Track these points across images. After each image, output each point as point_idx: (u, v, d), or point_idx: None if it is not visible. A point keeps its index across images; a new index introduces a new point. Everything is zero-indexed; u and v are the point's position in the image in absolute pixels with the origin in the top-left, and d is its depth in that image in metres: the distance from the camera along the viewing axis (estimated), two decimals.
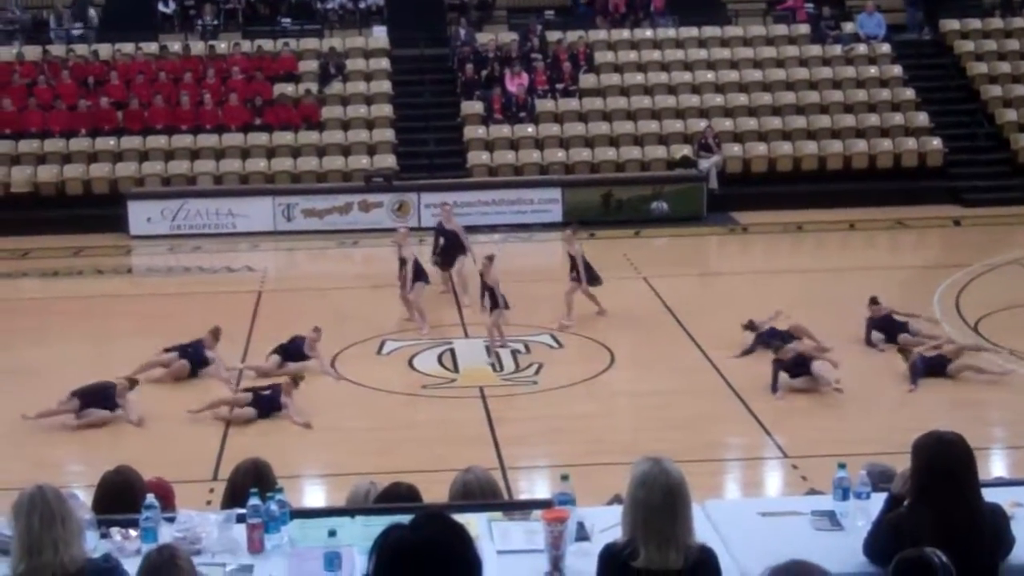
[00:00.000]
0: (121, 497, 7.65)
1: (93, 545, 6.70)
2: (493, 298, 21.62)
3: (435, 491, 8.81)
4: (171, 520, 7.14)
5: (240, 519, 7.03)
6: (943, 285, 25.42)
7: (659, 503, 6.08)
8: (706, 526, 6.97)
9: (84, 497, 7.86)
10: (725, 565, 6.40)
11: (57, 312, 25.88)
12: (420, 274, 23.29)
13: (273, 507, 6.97)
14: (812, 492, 10.89)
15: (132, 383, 19.49)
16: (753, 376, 20.10)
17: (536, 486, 16.79)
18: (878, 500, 7.03)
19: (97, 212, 32.53)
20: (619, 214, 32.61)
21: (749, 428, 18.39)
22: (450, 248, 25.34)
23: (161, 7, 39.32)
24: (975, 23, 38.74)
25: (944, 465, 6.62)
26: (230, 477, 8.46)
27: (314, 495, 16.78)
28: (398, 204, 32.49)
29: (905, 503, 6.76)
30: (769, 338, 20.89)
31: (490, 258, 22.08)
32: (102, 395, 19.12)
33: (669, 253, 31.05)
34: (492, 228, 31.81)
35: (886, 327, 21.70)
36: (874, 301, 21.94)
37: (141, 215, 32.25)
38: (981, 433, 17.67)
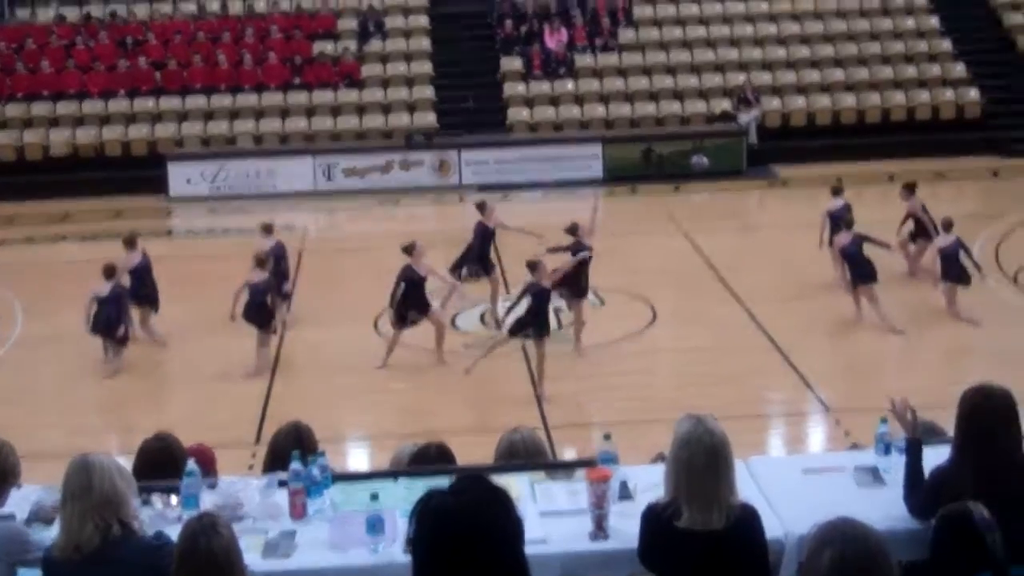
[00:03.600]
0: (162, 464, 7.65)
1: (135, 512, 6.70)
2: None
3: (478, 453, 8.80)
4: (212, 486, 7.15)
5: (282, 484, 7.03)
6: (982, 236, 25.25)
7: (702, 463, 6.07)
8: (749, 483, 6.95)
9: (125, 464, 7.88)
10: (769, 522, 6.38)
11: (96, 275, 25.88)
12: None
13: (315, 471, 6.96)
14: (855, 447, 10.84)
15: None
16: (795, 330, 20.04)
17: (580, 444, 16.77)
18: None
19: (136, 174, 32.63)
20: (659, 169, 32.53)
21: (792, 383, 18.32)
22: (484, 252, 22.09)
23: None
24: None
25: (983, 418, 6.58)
26: (271, 441, 8.46)
27: (357, 458, 16.79)
28: (439, 162, 32.45)
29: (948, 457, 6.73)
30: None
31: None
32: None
33: (709, 207, 30.97)
34: (533, 185, 31.76)
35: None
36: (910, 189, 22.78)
37: (181, 176, 32.33)
38: None
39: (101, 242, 28.14)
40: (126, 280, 20.68)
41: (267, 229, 21.85)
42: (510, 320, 19.11)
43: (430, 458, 7.94)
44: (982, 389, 6.69)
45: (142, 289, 21.07)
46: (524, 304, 18.55)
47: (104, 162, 33.59)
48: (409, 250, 19.49)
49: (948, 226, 20.79)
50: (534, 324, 18.30)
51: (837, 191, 22.82)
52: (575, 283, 19.72)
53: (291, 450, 7.17)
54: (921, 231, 22.46)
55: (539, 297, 18.31)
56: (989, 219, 26.88)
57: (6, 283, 24.70)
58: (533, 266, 18.38)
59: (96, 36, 36.02)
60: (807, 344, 19.63)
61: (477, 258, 21.62)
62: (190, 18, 36.95)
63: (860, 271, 20.22)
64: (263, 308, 19.57)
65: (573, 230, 19.81)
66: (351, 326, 20.97)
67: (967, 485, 6.33)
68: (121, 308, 19.83)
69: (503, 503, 4.65)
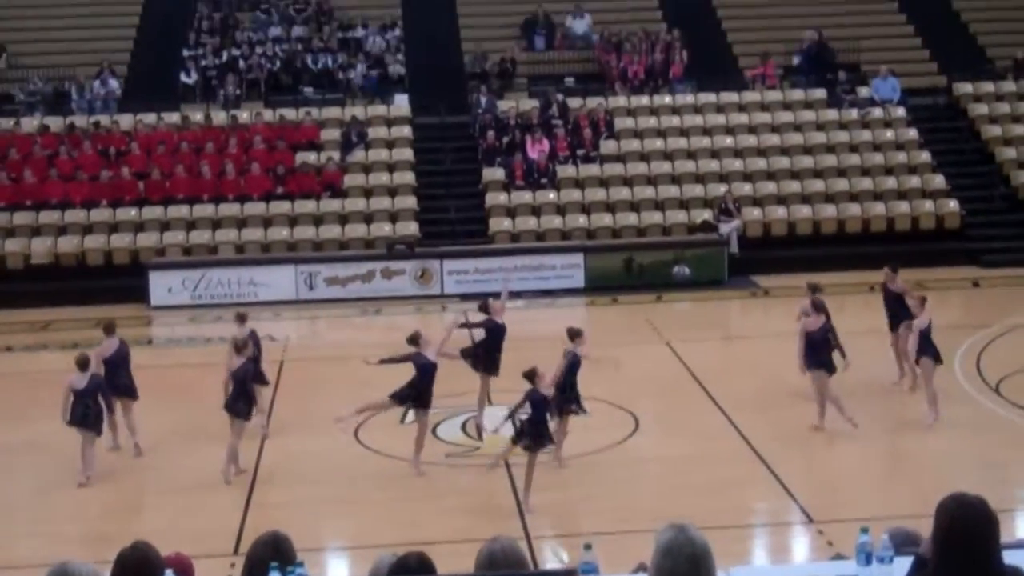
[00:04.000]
0: (139, 574, 7.57)
1: None
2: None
3: (460, 563, 8.75)
4: None
5: None
6: (963, 346, 25.34)
7: (684, 572, 6.02)
8: None
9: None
10: None
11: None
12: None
13: None
14: (838, 557, 10.80)
15: None
16: (777, 439, 20.02)
17: (561, 556, 16.69)
18: (901, 564, 6.95)
19: (118, 283, 32.65)
20: (641, 279, 32.62)
21: (774, 492, 18.28)
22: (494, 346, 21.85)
23: (183, 78, 39.59)
24: (988, 86, 39.04)
25: (963, 529, 6.52)
26: (248, 551, 8.37)
27: (337, 569, 16.68)
28: (420, 271, 32.52)
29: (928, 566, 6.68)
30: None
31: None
32: None
33: (691, 317, 31.01)
34: (515, 294, 31.77)
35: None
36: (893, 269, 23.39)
37: (162, 285, 32.34)
38: (1008, 494, 17.57)
39: (82, 351, 28.10)
40: (102, 370, 20.59)
41: (241, 318, 21.99)
42: (506, 429, 19.02)
43: (410, 568, 7.86)
44: (959, 498, 6.65)
45: (118, 379, 20.97)
46: (524, 413, 18.49)
47: (86, 271, 33.61)
48: (415, 340, 19.66)
49: (923, 302, 21.41)
50: (532, 434, 18.22)
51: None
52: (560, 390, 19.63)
53: (269, 560, 7.10)
54: (900, 314, 22.76)
55: (539, 406, 18.27)
56: (970, 329, 26.98)
57: None
58: (531, 375, 18.34)
59: (80, 146, 36.11)
60: (789, 454, 19.63)
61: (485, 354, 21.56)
62: (173, 129, 37.10)
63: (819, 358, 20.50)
64: (245, 396, 19.57)
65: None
66: (331, 435, 20.87)
67: None
68: (99, 399, 19.78)
69: None
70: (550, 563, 16.06)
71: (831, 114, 38.03)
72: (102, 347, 21.17)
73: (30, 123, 37.51)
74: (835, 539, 15.91)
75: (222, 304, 31.77)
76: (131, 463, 20.45)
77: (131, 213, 34.70)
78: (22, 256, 33.67)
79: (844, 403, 20.46)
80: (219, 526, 17.39)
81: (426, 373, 19.43)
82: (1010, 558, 6.69)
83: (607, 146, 36.96)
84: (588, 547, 7.16)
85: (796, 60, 40.01)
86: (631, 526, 16.56)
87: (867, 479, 18.94)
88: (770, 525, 17.89)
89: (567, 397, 19.45)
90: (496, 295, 22.80)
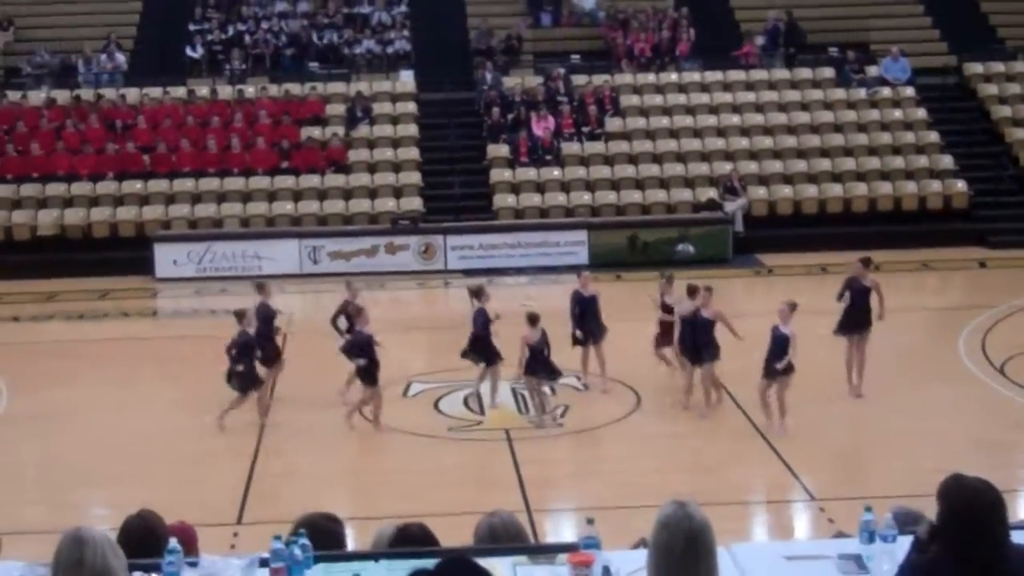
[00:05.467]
0: (144, 542, 7.58)
1: None
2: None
3: (460, 535, 8.76)
4: (193, 565, 7.10)
5: (263, 563, 6.97)
6: (969, 327, 25.33)
7: (681, 548, 6.00)
8: (732, 570, 6.90)
9: None
10: None
11: (83, 355, 25.92)
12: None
13: (297, 551, 6.91)
14: (840, 535, 10.82)
15: None
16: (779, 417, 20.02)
17: (562, 529, 16.73)
18: (905, 543, 6.94)
19: (123, 255, 32.68)
20: (645, 256, 32.57)
21: (776, 470, 18.30)
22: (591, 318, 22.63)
23: (189, 52, 39.53)
24: (998, 67, 38.82)
25: (968, 512, 6.48)
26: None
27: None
28: (424, 247, 32.52)
29: (932, 548, 6.67)
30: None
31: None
32: None
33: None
34: (518, 271, 31.83)
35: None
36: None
37: (167, 258, 32.37)
38: (1011, 475, 17.59)
39: (87, 322, 28.20)
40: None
41: (259, 288, 21.93)
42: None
43: (412, 539, 7.87)
44: (963, 481, 6.59)
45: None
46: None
47: (92, 243, 33.65)
48: (478, 293, 21.18)
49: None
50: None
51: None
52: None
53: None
54: (866, 313, 21.51)
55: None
56: (975, 310, 26.95)
57: None
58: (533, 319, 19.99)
59: (86, 119, 36.12)
60: (792, 431, 19.61)
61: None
62: (179, 103, 37.09)
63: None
64: (246, 369, 19.99)
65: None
66: (335, 408, 20.91)
67: None
68: (243, 353, 20.03)
69: None
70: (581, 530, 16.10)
71: (839, 93, 37.95)
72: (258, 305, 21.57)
73: (37, 96, 37.52)
74: (836, 517, 15.93)
75: (227, 277, 31.82)
76: (136, 431, 20.47)
77: (137, 186, 34.72)
78: (29, 227, 33.70)
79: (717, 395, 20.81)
80: (222, 496, 17.47)
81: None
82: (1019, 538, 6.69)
83: (612, 123, 36.91)
84: (591, 521, 7.17)
85: (760, 40, 39.85)
86: (632, 501, 16.60)
87: (870, 458, 18.96)
88: (771, 502, 17.91)
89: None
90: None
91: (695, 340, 20.70)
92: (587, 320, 22.43)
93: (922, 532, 6.79)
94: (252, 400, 20.37)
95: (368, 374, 19.98)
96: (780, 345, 19.53)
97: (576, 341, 22.45)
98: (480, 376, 21.61)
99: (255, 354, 20.37)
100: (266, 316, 21.40)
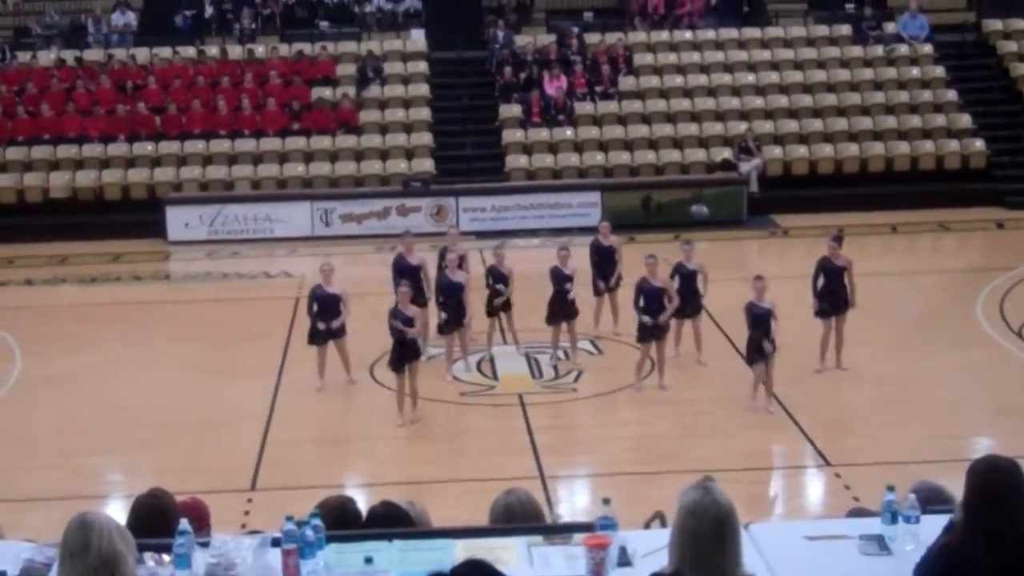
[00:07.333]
0: (155, 521, 7.53)
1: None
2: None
3: (474, 501, 8.67)
4: (205, 544, 7.02)
5: (275, 544, 6.89)
6: (986, 289, 25.19)
7: (708, 534, 5.89)
8: (751, 551, 6.79)
9: (119, 517, 7.75)
10: None
11: (96, 319, 25.90)
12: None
13: (309, 532, 6.83)
14: (857, 507, 10.70)
15: None
16: (794, 382, 19.91)
17: (576, 496, 16.67)
18: (928, 523, 6.84)
19: (135, 217, 32.62)
20: (659, 217, 32.45)
21: (792, 436, 18.20)
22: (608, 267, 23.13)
23: (178, 21, 39.23)
24: (1019, 23, 38.31)
25: (995, 493, 6.38)
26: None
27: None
28: (436, 208, 32.39)
29: (958, 529, 6.56)
30: None
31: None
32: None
33: (709, 257, 30.71)
34: (530, 232, 31.70)
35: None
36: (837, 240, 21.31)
37: (179, 220, 32.27)
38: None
39: (99, 285, 28.17)
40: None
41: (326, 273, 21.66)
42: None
43: (388, 518, 7.71)
44: (991, 461, 6.48)
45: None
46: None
47: (103, 206, 33.56)
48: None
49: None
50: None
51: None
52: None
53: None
54: (840, 294, 21.00)
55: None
56: (993, 271, 26.79)
57: (5, 325, 24.65)
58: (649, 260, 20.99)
59: (96, 80, 35.98)
60: (806, 396, 19.52)
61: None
62: (189, 63, 36.93)
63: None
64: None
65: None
66: (347, 373, 20.83)
67: (978, 562, 6.18)
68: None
69: None
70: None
71: (856, 51, 37.65)
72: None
73: (47, 56, 37.38)
74: (852, 483, 15.87)
75: (239, 240, 31.74)
76: (150, 397, 20.42)
77: (148, 148, 34.58)
78: (40, 190, 33.60)
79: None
80: (235, 462, 17.42)
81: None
82: None
83: (626, 83, 36.67)
84: (607, 501, 7.07)
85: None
86: (647, 468, 16.60)
87: (885, 423, 18.82)
88: (787, 468, 17.81)
89: None
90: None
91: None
92: (604, 269, 22.88)
93: (957, 515, 6.66)
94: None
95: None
96: (764, 322, 19.26)
97: (598, 291, 22.90)
98: (489, 335, 21.79)
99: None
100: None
